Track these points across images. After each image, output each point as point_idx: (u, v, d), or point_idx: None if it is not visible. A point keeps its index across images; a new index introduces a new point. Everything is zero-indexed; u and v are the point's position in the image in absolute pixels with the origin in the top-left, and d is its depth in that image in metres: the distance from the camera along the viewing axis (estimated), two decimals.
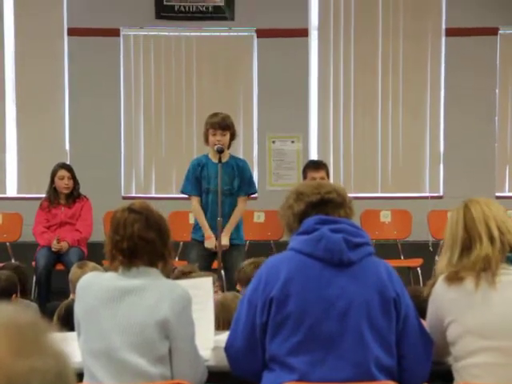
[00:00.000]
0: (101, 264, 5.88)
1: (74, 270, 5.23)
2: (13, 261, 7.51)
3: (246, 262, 4.93)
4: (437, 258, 7.70)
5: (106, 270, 3.57)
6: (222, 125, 6.38)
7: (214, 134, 6.38)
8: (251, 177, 6.77)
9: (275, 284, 3.07)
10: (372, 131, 8.99)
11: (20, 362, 1.10)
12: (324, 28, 8.96)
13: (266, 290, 3.08)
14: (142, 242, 3.20)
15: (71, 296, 4.85)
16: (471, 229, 3.29)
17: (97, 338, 3.13)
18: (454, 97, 8.88)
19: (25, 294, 5.27)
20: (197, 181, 6.55)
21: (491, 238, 3.25)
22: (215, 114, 6.50)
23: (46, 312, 5.13)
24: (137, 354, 3.09)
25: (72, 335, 3.22)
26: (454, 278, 3.24)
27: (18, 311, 1.18)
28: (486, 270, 3.22)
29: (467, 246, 3.28)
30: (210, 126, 6.41)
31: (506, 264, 3.26)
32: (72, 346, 3.09)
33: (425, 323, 3.36)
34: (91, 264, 5.21)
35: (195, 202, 6.56)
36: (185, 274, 4.81)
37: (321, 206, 3.19)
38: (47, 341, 1.16)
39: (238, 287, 4.82)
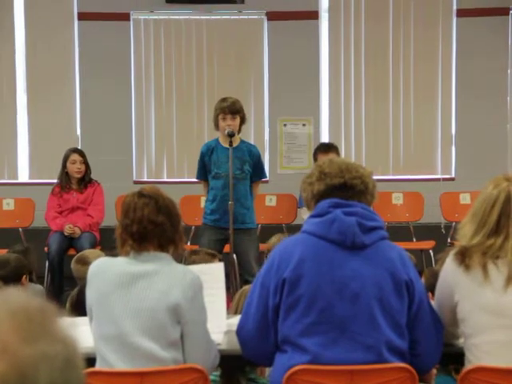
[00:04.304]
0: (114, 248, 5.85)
1: (75, 266, 5.14)
2: None
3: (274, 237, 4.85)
4: (449, 240, 7.70)
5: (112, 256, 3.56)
6: (232, 109, 6.36)
7: (224, 119, 6.37)
8: (263, 163, 6.82)
9: (288, 266, 3.08)
10: (383, 113, 8.94)
11: (28, 348, 1.10)
12: (335, 10, 8.90)
13: (279, 271, 3.09)
14: (151, 225, 3.20)
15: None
16: (505, 220, 3.20)
17: (109, 323, 3.14)
18: (465, 78, 8.83)
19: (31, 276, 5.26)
20: (204, 167, 6.59)
21: None
22: (224, 99, 6.47)
23: (63, 298, 5.07)
24: (148, 339, 3.10)
25: (84, 320, 3.23)
26: (464, 261, 3.21)
27: (26, 296, 1.18)
28: (498, 257, 3.18)
29: (493, 231, 3.22)
30: (220, 110, 6.39)
31: None
32: (83, 331, 3.09)
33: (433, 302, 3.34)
34: (92, 255, 5.08)
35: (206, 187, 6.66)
36: (194, 253, 4.83)
37: (341, 190, 3.17)
38: (55, 326, 1.16)
39: None
